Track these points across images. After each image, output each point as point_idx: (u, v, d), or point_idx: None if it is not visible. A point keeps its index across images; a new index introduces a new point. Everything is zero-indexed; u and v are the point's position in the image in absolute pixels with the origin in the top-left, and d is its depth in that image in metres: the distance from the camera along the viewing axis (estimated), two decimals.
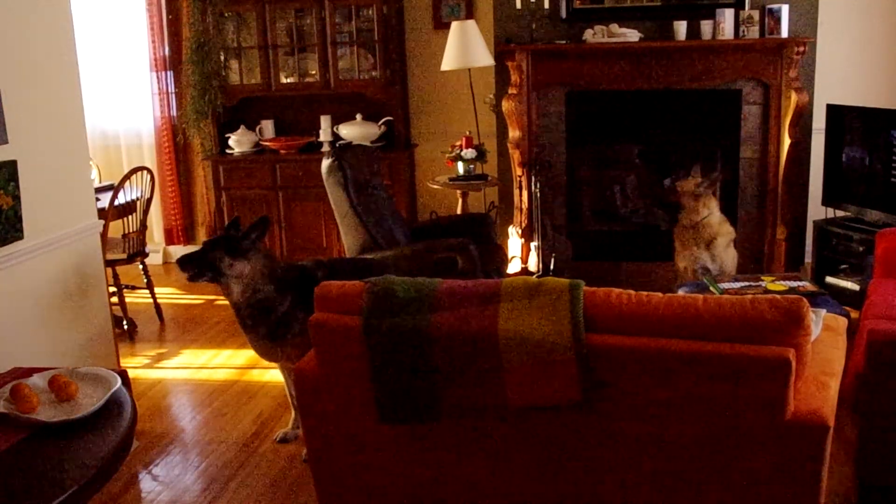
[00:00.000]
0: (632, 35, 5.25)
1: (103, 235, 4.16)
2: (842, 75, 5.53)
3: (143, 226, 5.23)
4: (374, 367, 2.39)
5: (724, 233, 4.74)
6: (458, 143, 5.54)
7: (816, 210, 5.38)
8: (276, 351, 3.43)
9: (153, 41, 6.31)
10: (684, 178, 4.82)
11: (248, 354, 4.46)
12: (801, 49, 5.03)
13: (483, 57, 5.34)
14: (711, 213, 4.71)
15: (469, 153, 5.46)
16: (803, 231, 5.48)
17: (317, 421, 2.61)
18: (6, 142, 2.99)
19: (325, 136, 6.03)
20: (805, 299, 2.17)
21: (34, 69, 3.19)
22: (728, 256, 4.76)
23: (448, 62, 5.38)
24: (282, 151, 6.02)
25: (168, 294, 5.84)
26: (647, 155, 5.80)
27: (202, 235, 6.55)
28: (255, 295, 3.33)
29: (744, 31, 5.15)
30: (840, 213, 5.21)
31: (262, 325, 3.37)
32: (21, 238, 3.10)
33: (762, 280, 4.03)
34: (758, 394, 2.12)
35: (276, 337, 3.37)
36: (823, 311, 2.60)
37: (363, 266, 3.79)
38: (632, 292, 2.31)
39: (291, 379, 3.43)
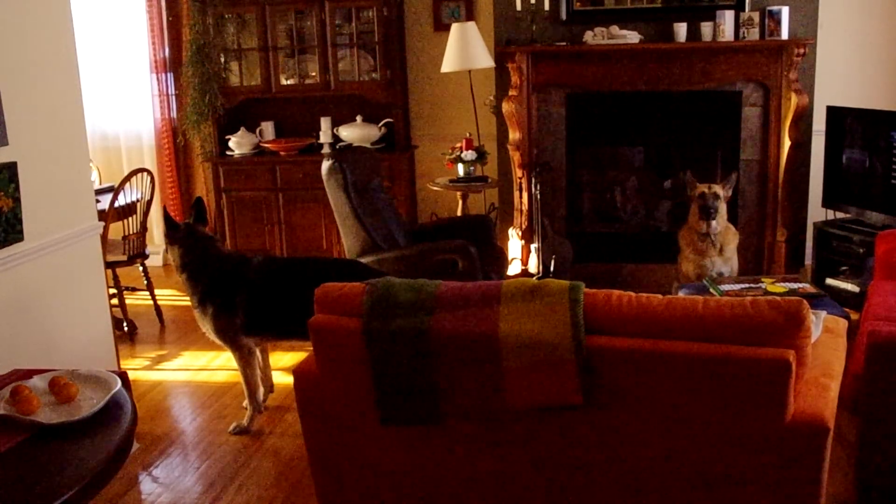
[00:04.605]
0: (632, 37, 5.25)
1: (103, 237, 4.16)
2: (842, 77, 5.53)
3: (144, 227, 5.23)
4: (374, 368, 2.39)
5: (733, 236, 4.72)
6: (458, 145, 5.54)
7: (816, 212, 5.39)
8: (202, 320, 3.83)
9: (153, 43, 6.31)
10: (699, 179, 4.71)
11: None
12: (802, 51, 5.03)
13: (483, 58, 5.35)
14: (723, 217, 4.65)
15: (469, 155, 5.46)
16: (803, 233, 5.48)
17: (317, 422, 2.61)
18: (6, 143, 2.99)
19: (325, 137, 6.04)
20: (805, 301, 2.17)
21: (34, 70, 3.19)
22: (736, 258, 4.74)
23: (448, 64, 5.39)
24: (282, 153, 6.02)
25: (168, 296, 5.84)
26: (647, 157, 5.81)
27: None
28: (181, 275, 3.80)
29: (744, 33, 5.15)
30: (840, 215, 5.21)
31: (193, 297, 3.80)
32: (21, 240, 3.10)
33: (762, 282, 4.03)
34: (758, 396, 2.12)
35: (202, 310, 3.79)
36: (823, 313, 2.60)
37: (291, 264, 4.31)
38: (632, 294, 2.31)
39: (247, 368, 3.83)
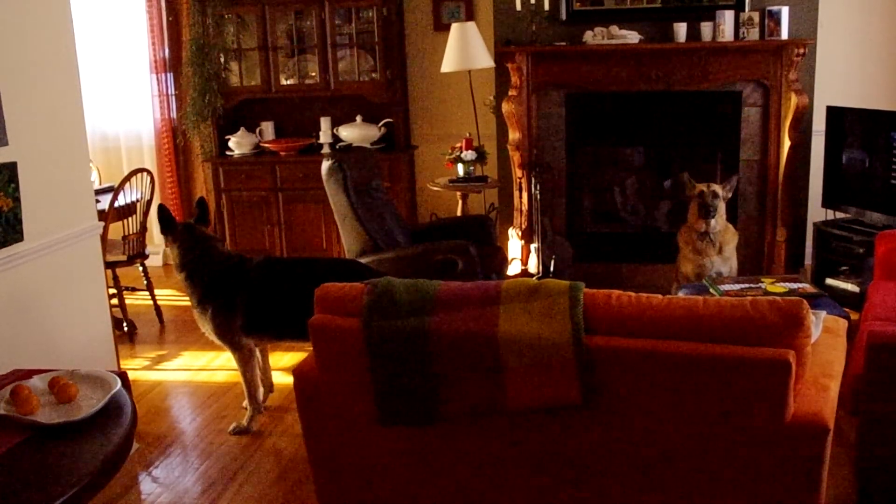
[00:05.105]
0: (632, 37, 5.25)
1: (103, 237, 4.16)
2: (842, 77, 5.53)
3: (143, 228, 5.23)
4: (374, 368, 2.39)
5: (732, 236, 4.72)
6: (458, 145, 5.54)
7: (816, 212, 5.39)
8: (202, 320, 3.81)
9: (153, 43, 6.31)
10: (698, 179, 4.70)
11: None
12: (801, 51, 5.03)
13: (483, 59, 5.35)
14: (722, 217, 4.66)
15: (469, 155, 5.46)
16: (803, 233, 5.48)
17: (316, 422, 2.61)
18: (6, 143, 2.99)
19: (324, 137, 6.03)
20: (805, 301, 2.17)
21: (34, 71, 3.19)
22: (735, 258, 4.75)
23: (448, 64, 5.39)
24: (282, 153, 6.02)
25: (168, 296, 5.84)
26: (647, 157, 5.80)
27: None
28: (180, 274, 3.78)
29: (744, 33, 5.15)
30: (840, 215, 5.21)
31: (192, 297, 3.79)
32: (21, 240, 3.09)
33: (762, 282, 4.03)
34: (758, 396, 2.12)
35: (201, 310, 3.78)
36: (823, 313, 2.60)
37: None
38: (632, 294, 2.31)
39: (247, 369, 3.81)
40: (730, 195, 4.67)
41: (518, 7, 5.30)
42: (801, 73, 5.11)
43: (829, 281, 5.05)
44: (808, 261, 5.44)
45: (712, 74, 5.24)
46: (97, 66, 6.36)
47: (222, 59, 5.97)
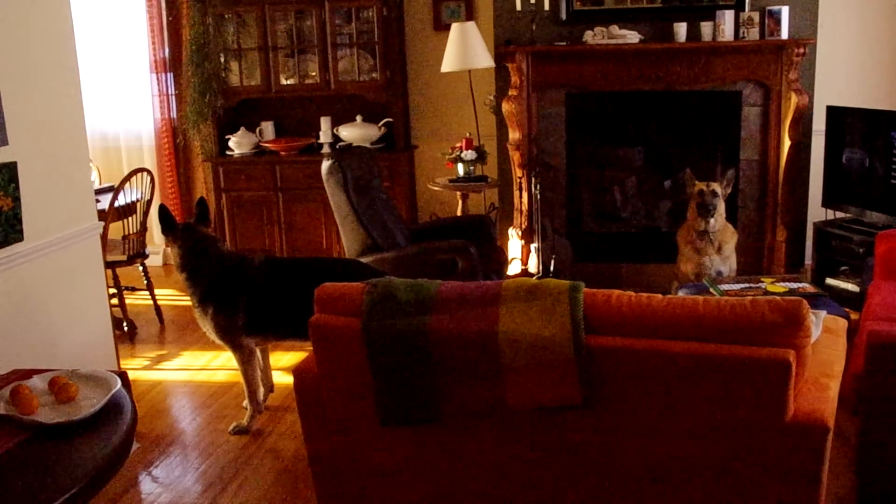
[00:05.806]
0: (632, 36, 5.25)
1: (103, 237, 4.16)
2: (842, 77, 5.53)
3: (143, 227, 5.23)
4: (374, 368, 2.39)
5: (731, 235, 4.72)
6: (458, 145, 5.54)
7: (816, 211, 5.39)
8: (202, 320, 3.81)
9: (153, 43, 6.31)
10: (698, 178, 4.69)
11: None
12: (801, 51, 5.03)
13: (483, 58, 5.35)
14: (721, 216, 4.66)
15: (469, 155, 5.46)
16: (803, 232, 5.48)
17: (317, 422, 2.61)
18: (6, 143, 2.99)
19: (325, 137, 6.03)
20: (805, 301, 2.17)
21: (34, 70, 3.19)
22: (734, 257, 4.75)
23: (448, 64, 5.39)
24: (282, 153, 6.02)
25: (168, 296, 5.84)
26: (647, 156, 5.80)
27: None
28: (181, 274, 3.78)
29: (744, 33, 5.15)
30: (840, 215, 5.21)
31: (193, 297, 3.78)
32: (21, 240, 3.10)
33: (762, 281, 4.03)
34: (758, 395, 2.12)
35: (202, 310, 3.78)
36: (823, 313, 2.60)
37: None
38: (632, 294, 2.31)
39: (248, 368, 3.81)
40: (728, 191, 4.67)
41: (518, 7, 5.30)
42: (801, 73, 5.11)
43: (829, 281, 5.05)
44: (808, 261, 5.44)
45: (712, 74, 5.24)
46: (97, 66, 6.36)
47: (222, 59, 5.97)
